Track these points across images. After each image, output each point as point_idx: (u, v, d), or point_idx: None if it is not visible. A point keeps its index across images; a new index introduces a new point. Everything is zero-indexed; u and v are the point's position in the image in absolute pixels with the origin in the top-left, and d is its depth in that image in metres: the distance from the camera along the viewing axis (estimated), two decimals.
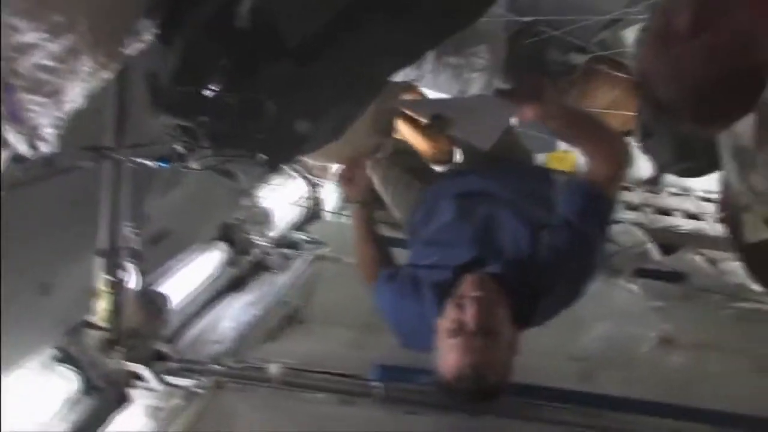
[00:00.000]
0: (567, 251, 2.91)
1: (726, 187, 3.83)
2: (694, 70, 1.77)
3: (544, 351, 3.33)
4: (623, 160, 3.20)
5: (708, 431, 2.94)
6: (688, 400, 3.09)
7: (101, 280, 3.04)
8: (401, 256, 3.41)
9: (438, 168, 3.84)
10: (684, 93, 1.81)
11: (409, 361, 3.08)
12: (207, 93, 2.17)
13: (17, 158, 2.05)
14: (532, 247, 2.93)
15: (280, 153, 2.45)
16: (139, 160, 2.75)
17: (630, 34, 5.43)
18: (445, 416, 2.91)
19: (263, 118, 2.19)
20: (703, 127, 2.14)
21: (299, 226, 5.05)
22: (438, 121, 3.14)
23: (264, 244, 4.42)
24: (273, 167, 3.16)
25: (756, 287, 4.32)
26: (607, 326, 3.88)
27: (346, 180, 3.58)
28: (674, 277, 4.43)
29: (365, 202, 3.54)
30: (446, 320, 2.72)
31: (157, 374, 3.10)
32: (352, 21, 2.25)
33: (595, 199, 3.00)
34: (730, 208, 3.85)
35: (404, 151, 3.95)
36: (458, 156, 4.11)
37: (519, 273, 2.88)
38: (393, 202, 3.91)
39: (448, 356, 2.69)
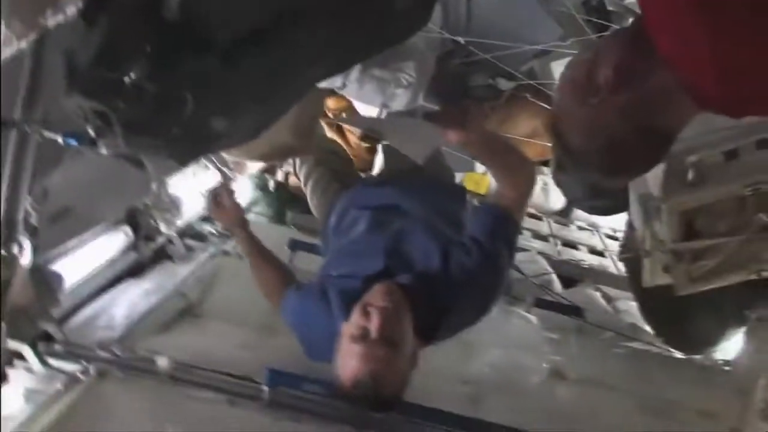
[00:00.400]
0: (475, 270, 2.95)
1: (631, 229, 3.90)
2: (608, 125, 1.78)
3: (436, 371, 3.32)
4: (530, 187, 3.28)
5: None
6: None
7: None
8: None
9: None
10: (593, 145, 1.82)
11: (302, 369, 3.05)
12: (126, 79, 2.12)
13: None
14: (442, 263, 2.97)
15: (193, 148, 2.40)
16: (47, 134, 2.70)
17: (558, 67, 5.50)
18: (330, 426, 2.91)
19: (181, 112, 2.15)
20: (608, 178, 2.16)
21: (208, 218, 4.92)
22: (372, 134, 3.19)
23: (169, 232, 4.36)
24: (183, 162, 3.14)
25: (647, 329, 4.42)
26: (500, 353, 3.90)
27: (215, 207, 3.52)
28: (571, 310, 4.47)
29: (243, 225, 3.50)
30: (351, 325, 2.73)
31: (40, 355, 3.02)
32: (283, 27, 2.22)
33: (503, 221, 3.07)
34: (632, 251, 3.92)
35: (333, 151, 3.96)
36: (378, 166, 4.15)
37: (427, 287, 2.92)
38: (311, 201, 3.99)
39: (348, 361, 2.70)
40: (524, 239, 5.45)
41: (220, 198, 3.47)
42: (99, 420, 2.73)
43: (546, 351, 4.12)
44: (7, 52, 2.09)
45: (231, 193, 3.51)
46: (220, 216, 3.56)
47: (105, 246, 3.93)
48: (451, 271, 2.95)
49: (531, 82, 5.52)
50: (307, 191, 4.03)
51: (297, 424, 2.88)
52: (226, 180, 4.97)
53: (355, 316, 2.75)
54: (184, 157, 2.53)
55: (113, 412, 2.78)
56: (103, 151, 2.25)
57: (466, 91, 5.05)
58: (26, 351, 3.00)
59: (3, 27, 2.06)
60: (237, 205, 3.51)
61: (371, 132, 3.26)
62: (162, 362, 3.01)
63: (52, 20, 2.25)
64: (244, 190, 5.21)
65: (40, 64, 2.61)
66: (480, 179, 5.53)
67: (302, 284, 3.22)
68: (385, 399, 2.75)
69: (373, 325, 2.66)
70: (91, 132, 2.22)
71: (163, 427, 2.69)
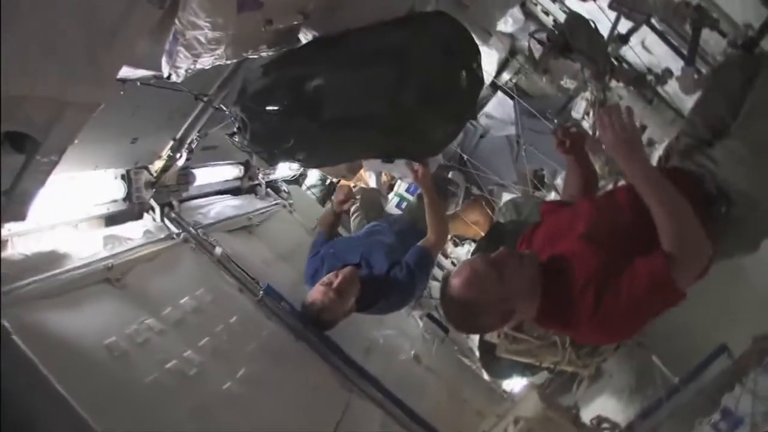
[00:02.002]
0: (402, 282, 3.08)
1: None
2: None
3: (355, 326, 3.32)
4: (444, 240, 3.53)
5: (403, 418, 3.00)
6: (405, 395, 3.11)
7: (166, 152, 3.03)
8: None
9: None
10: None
11: (285, 292, 3.07)
12: (265, 110, 2.18)
13: (158, 75, 2.08)
14: (386, 273, 3.10)
15: (281, 160, 2.45)
16: (220, 106, 2.76)
17: (506, 196, 5.56)
18: (284, 330, 2.91)
19: (284, 144, 2.21)
20: None
21: (286, 181, 4.92)
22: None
23: (262, 180, 4.36)
24: (272, 165, 3.24)
25: (477, 355, 4.39)
26: (393, 333, 3.84)
27: (340, 197, 3.61)
28: (443, 327, 4.46)
29: (338, 212, 3.66)
30: (326, 276, 2.94)
31: (162, 215, 3.08)
32: (361, 124, 2.28)
33: (425, 256, 3.19)
34: None
35: (371, 200, 4.11)
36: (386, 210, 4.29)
37: (372, 282, 3.06)
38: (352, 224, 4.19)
39: (314, 292, 2.91)
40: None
41: (344, 194, 3.61)
42: (170, 265, 2.76)
43: (418, 344, 4.06)
44: (219, 62, 2.16)
45: (351, 196, 3.69)
46: (339, 199, 3.62)
47: (225, 172, 3.99)
48: (390, 278, 3.08)
49: (488, 197, 5.59)
50: (351, 219, 4.18)
51: (267, 320, 2.90)
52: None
53: (331, 274, 2.94)
54: (273, 163, 2.60)
55: (179, 265, 2.81)
56: (236, 140, 2.31)
57: (448, 185, 5.05)
58: (157, 208, 3.07)
59: (223, 53, 2.14)
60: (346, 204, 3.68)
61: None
62: (218, 250, 3.06)
63: (250, 56, 2.31)
64: (312, 178, 5.18)
65: (232, 76, 2.66)
66: None
67: (324, 245, 3.39)
68: (320, 323, 2.91)
69: (337, 281, 2.86)
70: (235, 127, 2.29)
71: (199, 287, 2.70)
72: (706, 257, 1.63)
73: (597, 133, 3.65)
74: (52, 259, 2.29)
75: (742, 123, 1.91)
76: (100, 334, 2.10)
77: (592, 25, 3.27)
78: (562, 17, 4.63)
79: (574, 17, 3.30)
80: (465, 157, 5.54)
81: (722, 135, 1.97)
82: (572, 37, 3.27)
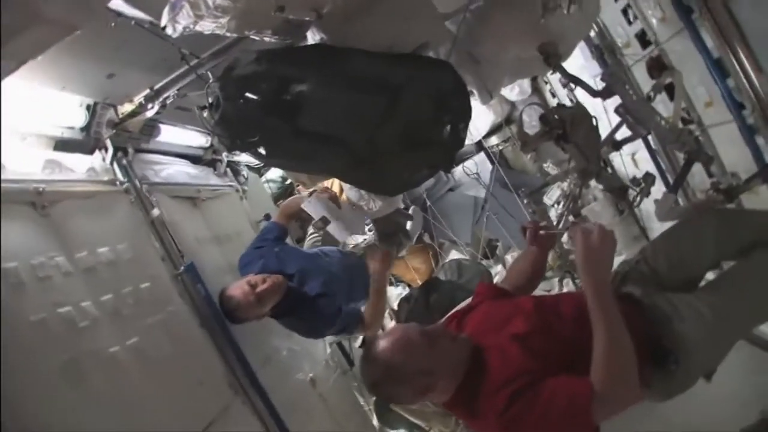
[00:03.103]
0: (321, 316, 3.12)
1: None
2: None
3: (263, 332, 3.29)
4: (378, 328, 3.39)
5: None
6: (289, 416, 3.03)
7: (140, 99, 2.94)
8: None
9: None
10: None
11: (207, 276, 3.03)
12: (244, 97, 2.14)
13: (155, 23, 2.10)
14: (315, 297, 3.13)
15: (240, 149, 2.40)
16: (204, 76, 2.70)
17: (454, 254, 5.59)
18: (191, 312, 2.86)
19: (249, 137, 2.18)
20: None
21: (249, 167, 4.74)
22: None
23: (224, 157, 4.27)
24: (231, 151, 3.22)
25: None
26: (300, 350, 3.77)
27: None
28: (350, 360, 4.39)
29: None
30: (255, 277, 2.94)
31: (113, 158, 3.00)
32: (333, 144, 2.27)
33: (356, 324, 3.25)
34: None
35: None
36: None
37: (296, 297, 3.08)
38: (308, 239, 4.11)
39: (235, 287, 2.89)
40: None
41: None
42: (102, 210, 2.68)
43: (319, 368, 3.98)
44: (219, 31, 2.12)
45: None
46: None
47: (192, 137, 3.91)
48: (313, 303, 3.11)
49: (437, 248, 5.62)
50: (308, 237, 4.11)
51: (179, 297, 2.83)
52: None
53: (260, 275, 2.94)
54: (233, 150, 2.56)
55: (111, 214, 2.74)
56: (205, 115, 2.26)
57: (399, 231, 5.06)
58: (111, 149, 2.99)
59: (226, 24, 2.11)
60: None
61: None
62: (155, 212, 2.99)
63: (251, 35, 2.28)
64: (274, 172, 5.10)
65: (227, 49, 2.59)
66: None
67: (269, 244, 3.38)
68: (231, 316, 2.90)
69: (261, 285, 2.86)
70: (208, 102, 2.25)
71: (122, 241, 2.62)
72: (631, 402, 1.63)
73: (560, 225, 3.68)
74: None
75: (720, 291, 1.95)
76: (2, 256, 2.01)
77: (594, 122, 3.29)
78: (567, 102, 4.72)
79: (580, 110, 3.32)
80: (428, 203, 5.58)
81: (681, 279, 2.05)
82: (572, 128, 3.28)
